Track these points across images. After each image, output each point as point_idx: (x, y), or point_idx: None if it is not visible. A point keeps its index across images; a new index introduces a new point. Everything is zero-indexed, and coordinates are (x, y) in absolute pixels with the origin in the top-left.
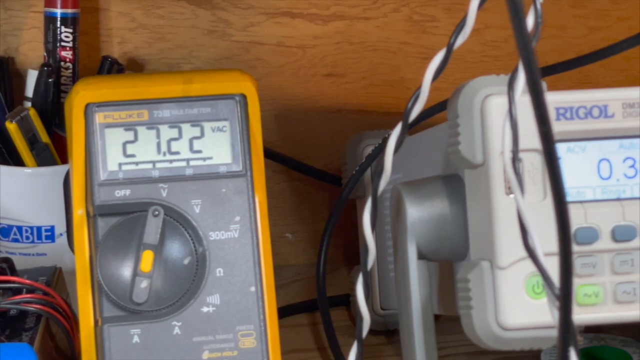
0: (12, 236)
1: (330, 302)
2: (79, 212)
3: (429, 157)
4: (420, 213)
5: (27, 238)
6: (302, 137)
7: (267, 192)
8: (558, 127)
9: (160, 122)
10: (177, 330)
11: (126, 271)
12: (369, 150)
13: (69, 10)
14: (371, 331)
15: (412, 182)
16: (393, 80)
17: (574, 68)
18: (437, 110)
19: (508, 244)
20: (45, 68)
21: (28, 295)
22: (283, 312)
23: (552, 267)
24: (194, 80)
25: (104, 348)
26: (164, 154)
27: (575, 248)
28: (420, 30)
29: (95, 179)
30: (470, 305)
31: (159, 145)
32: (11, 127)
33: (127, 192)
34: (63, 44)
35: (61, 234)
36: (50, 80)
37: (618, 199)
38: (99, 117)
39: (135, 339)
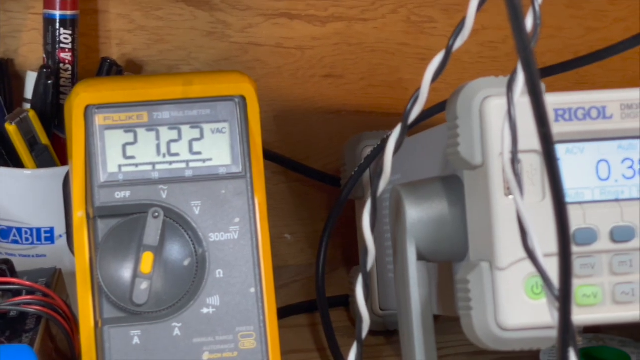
0: (11, 238)
1: (330, 303)
2: (79, 213)
3: (427, 158)
4: (419, 214)
5: (27, 240)
6: (301, 138)
7: (266, 193)
8: (557, 128)
9: (160, 124)
10: (177, 332)
11: (126, 272)
12: (367, 151)
13: (68, 12)
14: (370, 332)
15: (412, 183)
16: (391, 81)
17: (572, 69)
18: (436, 111)
19: (507, 245)
20: (45, 70)
21: (28, 297)
22: (282, 313)
23: (551, 267)
24: (194, 82)
25: (104, 349)
26: (164, 156)
27: (574, 249)
28: (418, 32)
29: (95, 180)
30: (470, 306)
31: (158, 146)
32: (11, 128)
33: (127, 193)
34: (62, 45)
35: (61, 236)
36: (49, 82)
37: (617, 200)
38: (98, 119)
39: (136, 340)
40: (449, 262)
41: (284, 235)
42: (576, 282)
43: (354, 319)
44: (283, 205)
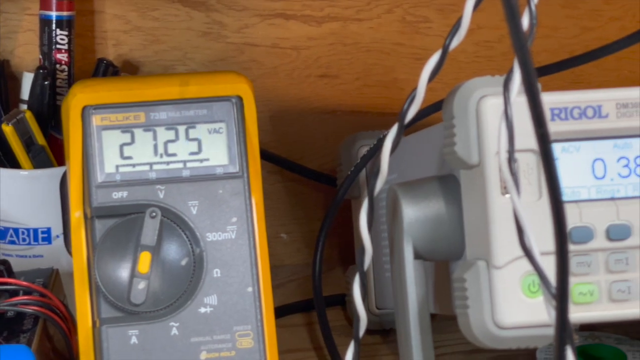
0: (8, 238)
1: (326, 302)
2: (76, 214)
3: (424, 157)
4: (416, 213)
5: (24, 240)
6: (297, 138)
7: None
8: (553, 127)
9: (157, 124)
10: (174, 331)
11: (124, 272)
12: (363, 150)
13: (64, 13)
14: (367, 330)
15: (408, 183)
16: (387, 81)
17: (567, 68)
18: (432, 110)
19: (504, 244)
20: (41, 71)
21: (25, 297)
22: (278, 312)
23: (548, 266)
24: (190, 83)
25: (102, 349)
26: (161, 156)
27: (570, 247)
28: (413, 31)
29: (93, 181)
30: (467, 305)
31: (155, 147)
32: (7, 129)
33: (125, 193)
34: (58, 46)
35: (58, 236)
36: (46, 82)
37: (612, 199)
38: (96, 120)
39: (133, 339)
40: (446, 261)
41: (280, 234)
42: (572, 280)
43: (350, 318)
44: (279, 205)
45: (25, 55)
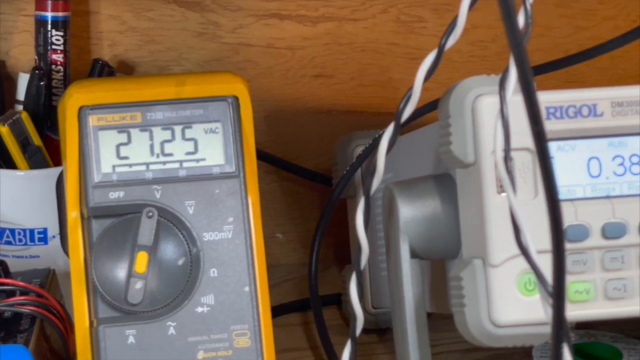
0: (5, 239)
1: (322, 301)
2: (73, 214)
3: (419, 156)
4: (412, 212)
5: (20, 240)
6: (292, 138)
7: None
8: (548, 126)
9: (153, 124)
10: (172, 331)
11: (121, 272)
12: (359, 150)
13: (60, 14)
14: (363, 330)
15: (404, 182)
16: (382, 80)
17: (562, 68)
18: (427, 110)
19: (500, 242)
20: (37, 71)
21: (22, 297)
22: (275, 312)
23: (544, 264)
24: (187, 83)
25: (99, 349)
26: (158, 156)
27: (566, 245)
28: (408, 31)
29: (89, 181)
30: (463, 303)
31: (152, 147)
32: (3, 130)
33: (121, 193)
34: (54, 47)
35: (54, 236)
36: (41, 83)
37: (608, 197)
38: (92, 120)
39: (131, 339)
40: (442, 259)
41: (275, 234)
42: (568, 279)
43: (347, 317)
44: (275, 205)
45: (21, 56)
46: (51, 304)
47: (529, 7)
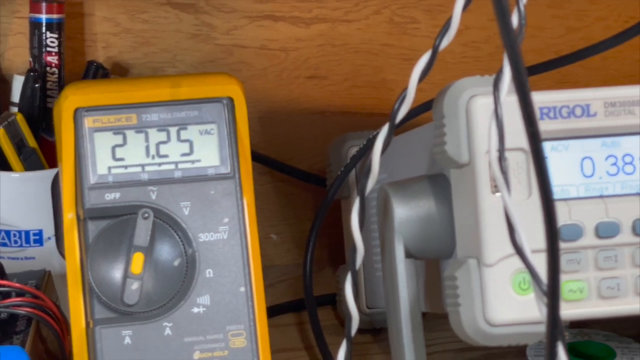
0: (0, 240)
1: (317, 302)
2: (69, 215)
3: (413, 157)
4: (407, 212)
5: (16, 242)
6: (286, 139)
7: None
8: (542, 126)
9: (148, 126)
10: (168, 331)
11: (117, 273)
12: (353, 151)
13: (54, 16)
14: (357, 330)
15: (399, 182)
16: (375, 81)
17: (555, 68)
18: (422, 110)
19: (494, 242)
20: (32, 73)
21: (18, 299)
22: (269, 312)
23: (538, 263)
24: (182, 84)
25: (95, 350)
26: (153, 157)
27: (560, 245)
28: (401, 32)
29: (85, 182)
30: (458, 303)
31: (147, 148)
32: None
33: (117, 195)
34: (49, 49)
35: (49, 238)
36: (36, 85)
37: (601, 196)
38: (88, 122)
39: (127, 340)
40: (437, 259)
41: (270, 235)
42: (562, 278)
43: (341, 317)
44: (269, 206)
45: (16, 58)
46: (47, 305)
47: (522, 7)
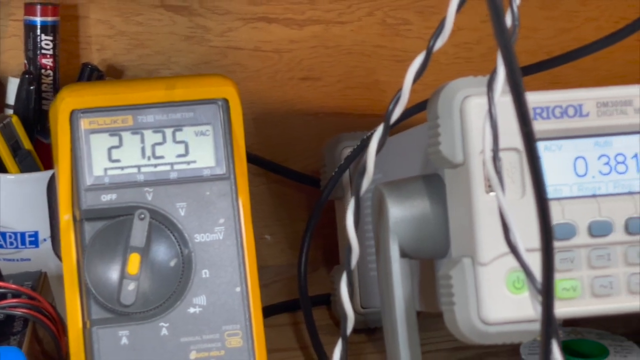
0: None
1: (311, 302)
2: (65, 217)
3: (407, 157)
4: (402, 212)
5: (11, 244)
6: (280, 140)
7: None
8: (535, 126)
9: (144, 127)
10: (164, 331)
11: (113, 274)
12: (347, 152)
13: (49, 19)
14: (352, 329)
15: (394, 182)
16: (368, 82)
17: (547, 69)
18: (416, 111)
19: (489, 241)
20: (27, 76)
21: (14, 300)
22: (264, 313)
23: (532, 262)
24: (177, 86)
25: (92, 350)
26: (149, 159)
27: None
28: (393, 34)
29: (82, 184)
30: (453, 301)
31: (143, 149)
32: None
33: (113, 196)
34: (43, 51)
35: (45, 239)
36: (31, 87)
37: (594, 196)
38: (84, 123)
39: (124, 340)
40: (431, 258)
41: (264, 236)
42: (556, 276)
43: (335, 317)
44: (263, 207)
45: (11, 61)
46: (43, 306)
47: (515, 9)
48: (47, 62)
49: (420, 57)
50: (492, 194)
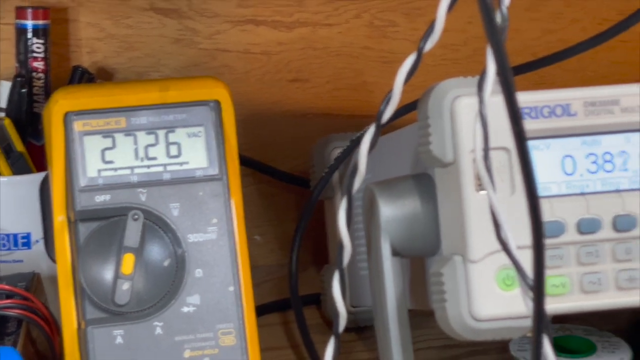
0: None
1: (302, 301)
2: (59, 218)
3: (398, 157)
4: (393, 211)
5: (4, 245)
6: (269, 141)
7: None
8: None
9: (137, 129)
10: (158, 331)
11: (108, 274)
12: (336, 152)
13: (40, 22)
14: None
15: (384, 182)
16: (356, 84)
17: (534, 70)
18: (406, 111)
19: (479, 238)
20: (18, 79)
21: (8, 301)
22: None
23: (522, 259)
24: (170, 88)
25: (87, 350)
26: (142, 160)
27: None
28: (381, 35)
29: (76, 185)
30: (444, 299)
31: (136, 151)
32: None
33: (107, 197)
34: (35, 54)
35: (37, 241)
36: (23, 90)
37: (582, 194)
38: (77, 125)
39: (119, 339)
40: (422, 257)
41: (253, 236)
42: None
43: (326, 316)
44: (252, 207)
45: (2, 64)
46: (37, 306)
47: (504, 9)
48: (39, 65)
49: (411, 58)
50: (482, 192)
